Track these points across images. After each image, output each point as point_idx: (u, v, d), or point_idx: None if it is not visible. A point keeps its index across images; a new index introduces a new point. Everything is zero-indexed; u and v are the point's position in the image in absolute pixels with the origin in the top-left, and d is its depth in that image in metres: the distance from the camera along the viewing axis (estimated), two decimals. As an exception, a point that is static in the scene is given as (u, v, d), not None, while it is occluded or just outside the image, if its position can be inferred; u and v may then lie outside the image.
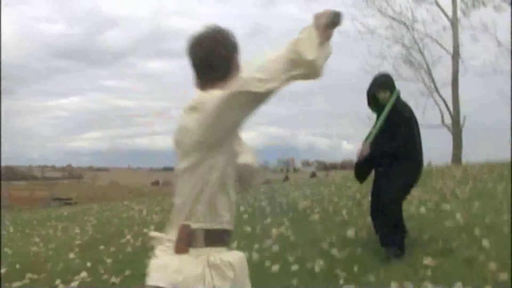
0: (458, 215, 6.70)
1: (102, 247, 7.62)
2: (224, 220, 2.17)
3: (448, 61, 23.08)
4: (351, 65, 31.75)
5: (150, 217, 10.47)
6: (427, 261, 4.87)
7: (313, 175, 67.38)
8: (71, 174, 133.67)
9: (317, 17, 2.00)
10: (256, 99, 2.00)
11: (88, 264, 6.65)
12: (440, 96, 23.30)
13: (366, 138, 5.61)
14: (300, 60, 1.95)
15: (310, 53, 1.94)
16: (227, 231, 2.20)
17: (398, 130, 5.41)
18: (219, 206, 2.15)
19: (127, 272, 5.93)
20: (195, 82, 2.35)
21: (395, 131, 5.40)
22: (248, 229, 7.35)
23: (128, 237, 8.04)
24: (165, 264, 2.12)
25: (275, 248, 6.10)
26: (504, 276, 4.24)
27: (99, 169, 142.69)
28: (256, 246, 6.28)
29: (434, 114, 22.78)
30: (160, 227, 8.03)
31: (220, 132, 2.09)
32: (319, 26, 1.99)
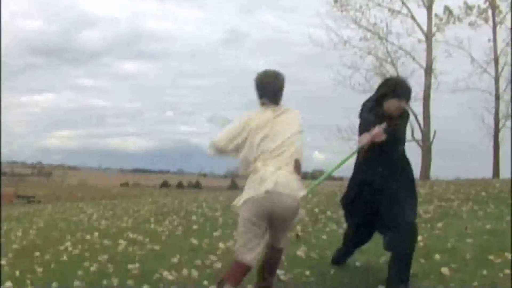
0: (419, 237, 6.33)
1: (37, 253, 7.06)
2: None
3: (420, 75, 23.01)
4: (323, 75, 31.57)
5: (98, 222, 9.94)
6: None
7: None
8: (41, 171, 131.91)
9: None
10: None
11: (17, 272, 6.10)
12: (411, 111, 23.08)
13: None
14: None
15: None
16: None
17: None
18: None
19: (54, 285, 5.39)
20: (267, 102, 4.15)
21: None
22: (195, 242, 6.88)
23: (68, 244, 7.50)
24: None
25: (218, 265, 5.63)
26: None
27: (69, 168, 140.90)
28: (198, 262, 5.81)
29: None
30: (104, 235, 7.61)
31: None
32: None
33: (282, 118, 4.08)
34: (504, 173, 23.16)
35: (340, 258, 5.26)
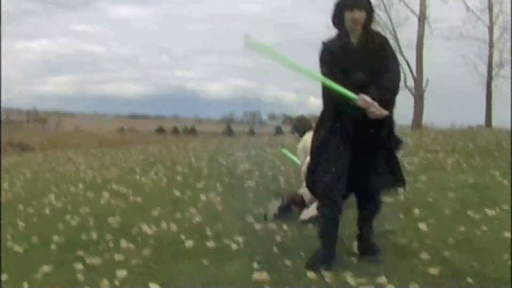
0: (401, 190, 6.31)
1: (21, 206, 7.05)
2: None
3: (414, 22, 22.69)
4: (318, 20, 31.05)
5: (84, 173, 9.93)
6: (354, 247, 4.39)
7: (278, 129, 67.32)
8: (36, 118, 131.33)
9: None
10: None
11: (-1, 227, 6.08)
12: (404, 58, 22.90)
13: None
14: None
15: None
16: None
17: (389, 65, 3.91)
18: None
19: (34, 240, 5.37)
20: None
21: (384, 68, 3.87)
22: (177, 193, 6.88)
23: (51, 196, 7.48)
24: None
25: (197, 218, 5.62)
26: (434, 271, 3.78)
27: (65, 114, 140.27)
28: (178, 215, 5.80)
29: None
30: (89, 186, 7.59)
31: None
32: None
33: None
34: (496, 122, 23.17)
35: None
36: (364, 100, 3.73)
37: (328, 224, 4.05)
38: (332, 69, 3.86)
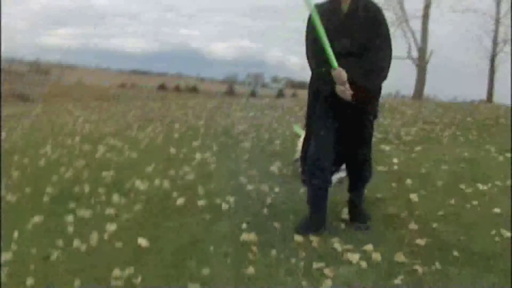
0: (395, 160, 6.33)
1: (16, 157, 7.06)
2: None
3: (421, -8, 22.42)
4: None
5: (82, 126, 9.90)
6: (344, 214, 4.40)
7: (280, 93, 67.01)
8: (38, 69, 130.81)
9: None
10: None
11: (-8, 177, 6.10)
12: (409, 28, 22.67)
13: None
14: None
15: None
16: None
17: (379, 36, 3.75)
18: None
19: (27, 190, 5.39)
20: None
21: (373, 38, 3.72)
22: (173, 151, 6.88)
23: (48, 148, 7.49)
24: None
25: (190, 177, 5.63)
26: (421, 242, 3.81)
27: (67, 67, 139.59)
28: (172, 172, 5.81)
29: (401, 45, 22.29)
30: (85, 139, 7.58)
31: None
32: None
33: None
34: (497, 98, 23.10)
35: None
36: (339, 74, 3.64)
37: (316, 194, 4.05)
38: (316, 45, 3.75)
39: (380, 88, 3.94)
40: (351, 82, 3.66)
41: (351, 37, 3.72)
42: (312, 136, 4.01)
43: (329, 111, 3.87)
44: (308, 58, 3.98)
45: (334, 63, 3.64)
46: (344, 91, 3.67)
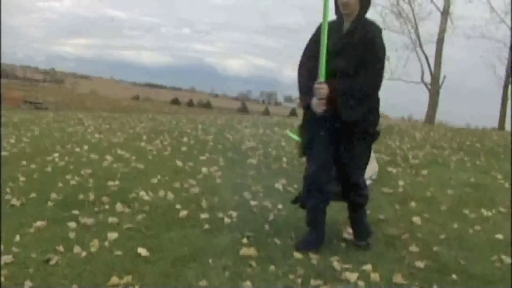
0: (401, 182, 6.33)
1: (24, 162, 7.10)
2: None
3: (437, 18, 22.54)
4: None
5: (91, 135, 9.96)
6: (346, 234, 4.41)
7: (293, 112, 67.27)
8: (53, 78, 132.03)
9: None
10: None
11: (-1, 180, 6.14)
12: (423, 52, 22.76)
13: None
14: None
15: None
16: None
17: (370, 60, 3.74)
18: None
19: (32, 195, 5.42)
20: None
21: (365, 61, 3.73)
22: (179, 164, 6.91)
23: (56, 155, 7.53)
24: None
25: (195, 190, 5.65)
26: (420, 264, 3.80)
27: (81, 76, 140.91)
28: (177, 184, 5.84)
29: (414, 69, 22.47)
30: (93, 149, 7.63)
31: None
32: None
33: None
34: (510, 126, 23.01)
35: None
36: (320, 87, 3.70)
37: (315, 214, 4.07)
38: (314, 48, 3.82)
39: (377, 109, 3.97)
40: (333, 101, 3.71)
41: (346, 57, 3.76)
42: (309, 156, 4.05)
43: (325, 129, 3.89)
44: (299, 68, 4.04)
45: (323, 76, 3.69)
46: (318, 104, 3.73)
